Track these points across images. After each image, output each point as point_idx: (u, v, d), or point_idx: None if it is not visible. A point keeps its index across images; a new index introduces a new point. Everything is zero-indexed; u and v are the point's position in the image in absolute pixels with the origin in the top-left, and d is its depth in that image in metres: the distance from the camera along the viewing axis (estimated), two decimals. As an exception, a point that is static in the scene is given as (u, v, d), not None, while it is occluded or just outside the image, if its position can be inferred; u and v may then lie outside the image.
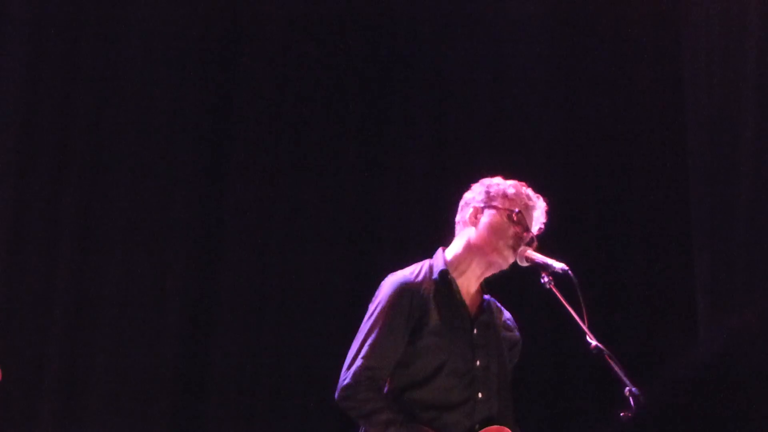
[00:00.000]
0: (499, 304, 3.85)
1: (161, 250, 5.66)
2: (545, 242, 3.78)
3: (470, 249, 3.72)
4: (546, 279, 3.61)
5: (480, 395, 3.63)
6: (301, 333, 5.73)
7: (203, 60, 5.83)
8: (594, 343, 3.43)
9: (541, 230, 3.74)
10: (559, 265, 3.61)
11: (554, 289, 3.58)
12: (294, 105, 5.98)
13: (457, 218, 3.81)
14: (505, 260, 3.69)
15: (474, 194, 3.78)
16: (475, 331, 3.70)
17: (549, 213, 3.78)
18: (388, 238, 5.91)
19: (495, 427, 3.62)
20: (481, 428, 3.61)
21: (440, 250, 3.79)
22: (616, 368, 3.36)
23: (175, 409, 5.58)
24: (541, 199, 3.77)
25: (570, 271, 3.57)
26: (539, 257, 3.68)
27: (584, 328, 3.47)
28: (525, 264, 3.70)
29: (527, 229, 3.67)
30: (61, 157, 5.52)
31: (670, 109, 5.77)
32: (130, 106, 5.67)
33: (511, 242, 3.67)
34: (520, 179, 3.82)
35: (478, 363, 3.65)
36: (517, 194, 3.72)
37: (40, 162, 5.48)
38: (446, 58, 6.03)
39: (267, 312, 5.81)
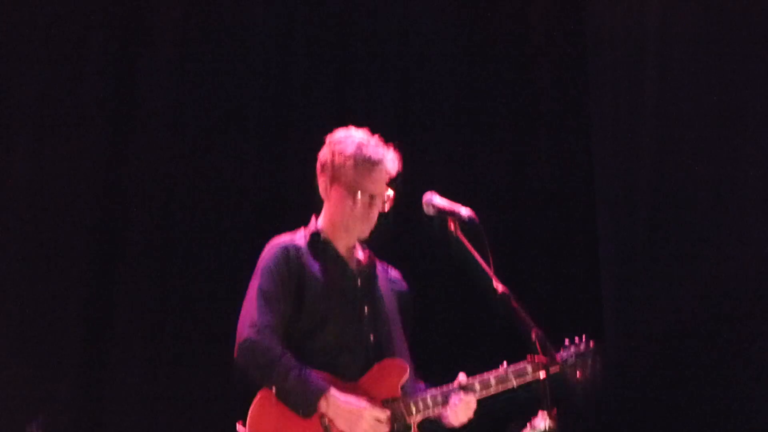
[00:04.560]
0: (384, 264, 3.95)
1: (66, 196, 5.58)
2: (451, 193, 3.81)
3: (332, 222, 3.82)
4: (452, 225, 3.65)
5: (372, 337, 3.74)
6: (207, 279, 5.70)
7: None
8: (500, 288, 3.48)
9: (399, 172, 3.79)
10: (465, 212, 3.65)
11: (460, 235, 3.62)
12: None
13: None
14: (362, 234, 3.81)
15: (323, 158, 3.83)
16: (359, 282, 3.81)
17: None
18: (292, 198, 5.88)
19: (390, 359, 3.71)
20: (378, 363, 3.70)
21: (313, 217, 3.88)
22: (521, 312, 3.40)
23: (80, 354, 5.54)
24: (389, 150, 3.80)
25: (476, 217, 3.60)
26: (446, 204, 3.71)
27: (490, 273, 3.51)
28: (431, 211, 3.73)
29: (374, 201, 3.74)
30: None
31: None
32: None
33: (362, 219, 3.77)
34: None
35: (366, 309, 3.77)
36: (358, 162, 3.74)
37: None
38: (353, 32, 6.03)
39: (173, 259, 5.76)
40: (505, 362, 3.64)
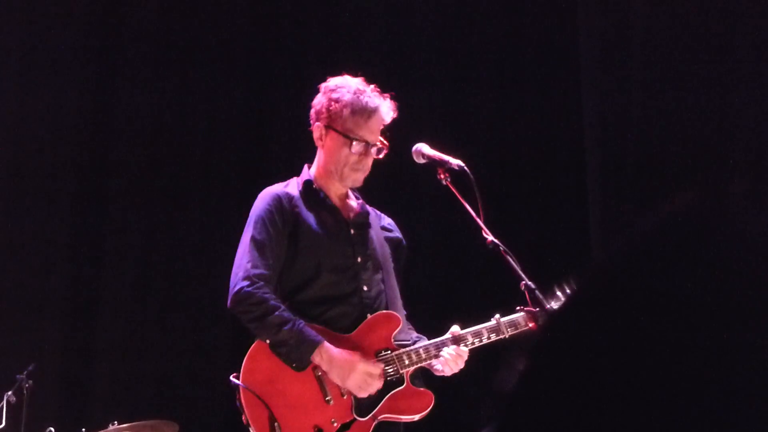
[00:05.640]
0: (377, 211, 3.94)
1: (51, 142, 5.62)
2: (441, 143, 3.78)
3: (326, 170, 3.79)
4: (442, 176, 3.64)
5: (365, 288, 3.72)
6: (196, 226, 5.70)
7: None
8: (490, 238, 3.47)
9: (394, 118, 3.75)
10: (455, 162, 3.63)
11: (451, 186, 3.61)
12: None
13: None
14: (356, 182, 3.79)
15: (318, 105, 3.79)
16: (351, 231, 3.78)
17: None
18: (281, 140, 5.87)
19: (383, 312, 3.70)
20: (371, 315, 3.69)
21: (305, 166, 3.86)
22: (512, 263, 3.40)
23: (69, 303, 5.56)
24: (385, 98, 3.76)
25: (466, 168, 3.59)
26: (436, 154, 3.70)
27: (480, 223, 3.50)
28: (422, 161, 3.72)
29: (368, 149, 3.70)
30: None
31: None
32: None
33: (356, 167, 3.74)
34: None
35: (359, 259, 3.74)
36: (354, 110, 3.70)
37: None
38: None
39: (162, 207, 5.76)
40: (498, 314, 3.64)
